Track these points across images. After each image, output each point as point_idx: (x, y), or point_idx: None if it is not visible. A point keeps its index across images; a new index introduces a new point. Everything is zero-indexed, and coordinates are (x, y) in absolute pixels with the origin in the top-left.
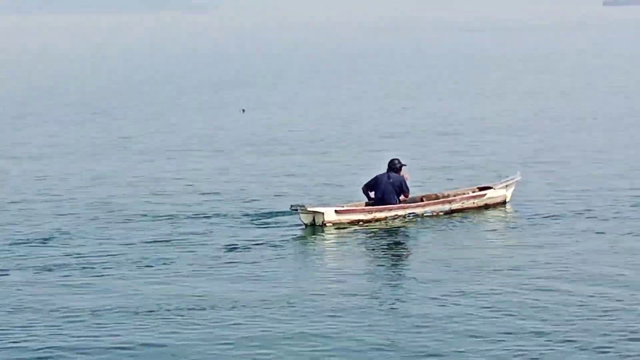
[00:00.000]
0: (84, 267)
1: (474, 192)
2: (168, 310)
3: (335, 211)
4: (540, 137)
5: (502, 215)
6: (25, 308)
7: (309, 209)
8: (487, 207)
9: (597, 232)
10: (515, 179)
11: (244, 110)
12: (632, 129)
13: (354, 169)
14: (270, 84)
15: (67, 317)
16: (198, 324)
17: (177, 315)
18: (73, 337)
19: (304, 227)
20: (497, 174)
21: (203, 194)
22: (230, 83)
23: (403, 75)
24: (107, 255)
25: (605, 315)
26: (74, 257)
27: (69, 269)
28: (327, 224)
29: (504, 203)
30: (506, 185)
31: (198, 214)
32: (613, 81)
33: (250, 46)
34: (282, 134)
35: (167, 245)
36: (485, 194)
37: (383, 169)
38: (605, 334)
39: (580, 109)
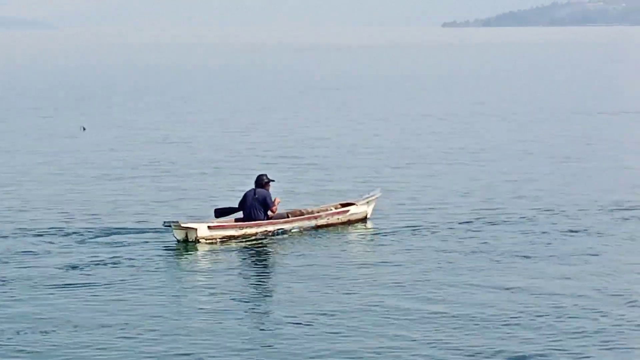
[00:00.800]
0: None
1: (336, 208)
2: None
3: (208, 227)
4: (397, 155)
5: (364, 230)
6: None
7: (182, 225)
8: (350, 222)
9: (455, 243)
10: (376, 196)
11: (84, 128)
12: (477, 145)
13: (217, 188)
14: (110, 103)
15: None
16: (59, 345)
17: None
18: None
19: (176, 243)
20: (358, 190)
21: (64, 213)
22: (70, 102)
23: (251, 94)
24: None
25: (460, 329)
26: None
27: None
28: (200, 240)
29: (365, 219)
30: (367, 202)
31: (61, 232)
32: (454, 101)
33: (87, 65)
34: (133, 152)
35: (30, 263)
36: (348, 210)
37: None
38: (459, 349)
39: (424, 128)
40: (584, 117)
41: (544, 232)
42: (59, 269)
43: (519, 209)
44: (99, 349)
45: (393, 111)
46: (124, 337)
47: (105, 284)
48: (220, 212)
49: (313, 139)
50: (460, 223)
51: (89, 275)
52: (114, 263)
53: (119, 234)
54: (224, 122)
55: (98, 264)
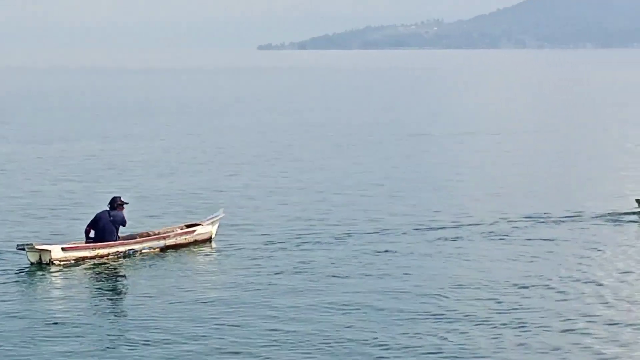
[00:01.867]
0: None
1: (182, 229)
2: None
3: (62, 249)
4: (233, 178)
5: (209, 250)
6: None
7: (36, 247)
8: (196, 242)
9: (286, 261)
10: (220, 217)
11: None
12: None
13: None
14: None
15: None
16: None
17: None
18: None
19: (30, 265)
20: (202, 212)
21: None
22: None
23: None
24: None
25: (298, 344)
26: None
27: None
28: (54, 262)
29: (210, 239)
30: (212, 222)
31: None
32: (276, 123)
33: None
34: None
35: None
36: (195, 231)
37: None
38: None
39: (246, 152)
40: (398, 138)
41: (362, 252)
42: None
43: (345, 229)
44: None
45: (213, 134)
46: None
47: None
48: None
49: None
50: (290, 241)
51: None
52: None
53: None
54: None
55: None
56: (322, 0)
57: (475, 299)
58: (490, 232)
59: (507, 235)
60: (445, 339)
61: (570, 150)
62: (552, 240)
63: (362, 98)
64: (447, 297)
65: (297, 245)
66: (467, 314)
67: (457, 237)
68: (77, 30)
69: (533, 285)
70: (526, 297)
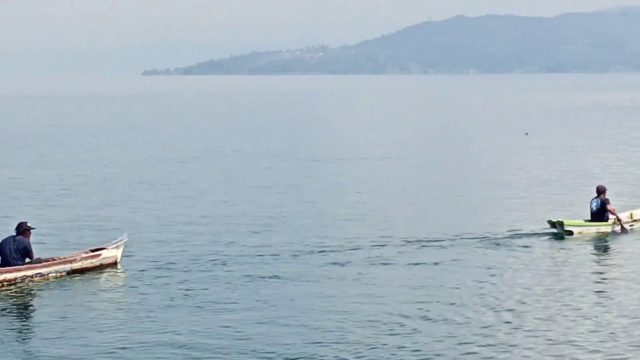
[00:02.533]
0: None
1: (87, 253)
2: None
3: None
4: (133, 202)
5: (115, 273)
6: None
7: None
8: (101, 266)
9: (192, 281)
10: (124, 241)
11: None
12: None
13: None
14: None
15: None
16: None
17: None
18: None
19: None
20: (106, 236)
21: None
22: None
23: None
24: None
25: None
26: None
27: None
28: None
29: (115, 263)
30: (117, 246)
31: None
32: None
33: None
34: None
35: None
36: (100, 254)
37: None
38: None
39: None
40: (285, 163)
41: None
42: None
43: (237, 251)
44: None
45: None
46: None
47: None
48: None
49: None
50: (191, 263)
51: None
52: None
53: None
54: None
55: None
56: (207, 26)
57: (365, 322)
58: (376, 256)
59: (391, 260)
60: None
61: (448, 176)
62: (437, 263)
63: (246, 123)
64: (336, 320)
65: (195, 267)
66: (353, 337)
67: (340, 262)
68: None
69: (424, 309)
70: (420, 320)
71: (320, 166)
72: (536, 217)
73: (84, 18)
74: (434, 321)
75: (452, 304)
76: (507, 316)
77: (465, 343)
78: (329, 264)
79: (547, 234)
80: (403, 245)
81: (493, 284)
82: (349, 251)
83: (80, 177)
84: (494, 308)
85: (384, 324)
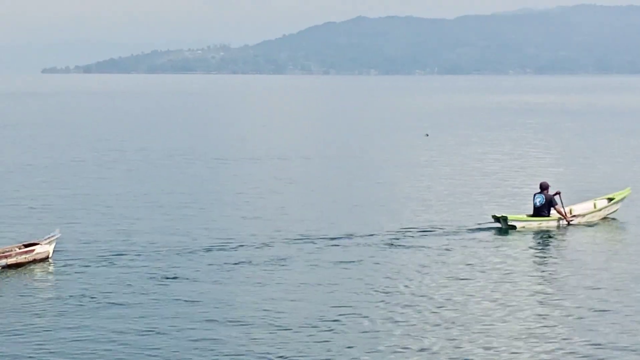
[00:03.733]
0: None
1: (20, 248)
2: None
3: None
4: (59, 197)
5: (48, 268)
6: None
7: None
8: (34, 261)
9: (123, 273)
10: (56, 236)
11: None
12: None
13: None
14: None
15: None
16: None
17: None
18: None
19: None
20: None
21: None
22: None
23: None
24: None
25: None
26: None
27: None
28: None
29: (47, 258)
30: (49, 242)
31: None
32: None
33: None
34: None
35: None
36: (34, 250)
37: None
38: None
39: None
40: (186, 161)
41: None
42: None
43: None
44: None
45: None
46: None
47: None
48: None
49: None
50: (116, 256)
51: None
52: None
53: None
54: None
55: None
56: (108, 24)
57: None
58: (277, 255)
59: (294, 258)
60: None
61: (356, 175)
62: (355, 261)
63: (147, 122)
64: (237, 322)
65: (121, 262)
66: (250, 340)
67: (243, 261)
68: None
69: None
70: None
71: (220, 165)
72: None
73: None
74: (346, 324)
75: (381, 301)
76: (440, 313)
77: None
78: (224, 263)
79: (490, 229)
80: (309, 243)
81: (433, 279)
82: (252, 249)
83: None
84: (433, 304)
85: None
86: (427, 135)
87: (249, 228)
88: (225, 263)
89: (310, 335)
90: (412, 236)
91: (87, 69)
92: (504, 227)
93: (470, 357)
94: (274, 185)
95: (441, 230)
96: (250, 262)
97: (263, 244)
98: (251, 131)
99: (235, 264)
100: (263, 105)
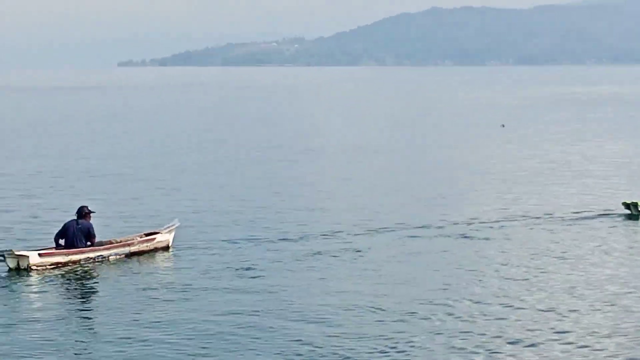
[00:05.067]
0: None
1: (141, 237)
2: None
3: (39, 254)
4: (176, 190)
5: (168, 256)
6: None
7: (15, 253)
8: (155, 249)
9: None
10: (175, 225)
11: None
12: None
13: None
14: None
15: None
16: None
17: None
18: None
19: (8, 270)
20: (157, 220)
21: None
22: None
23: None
24: None
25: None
26: None
27: None
28: (31, 267)
29: (167, 247)
30: (169, 231)
31: None
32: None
33: None
34: None
35: None
36: (155, 239)
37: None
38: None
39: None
40: (270, 153)
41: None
42: None
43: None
44: None
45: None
46: None
47: None
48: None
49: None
50: (236, 244)
51: None
52: None
53: None
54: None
55: None
56: (183, 18)
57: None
58: (369, 245)
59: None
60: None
61: (426, 166)
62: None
63: (228, 115)
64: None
65: (240, 248)
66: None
67: (324, 251)
68: None
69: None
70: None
71: (298, 157)
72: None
73: (59, 11)
74: (453, 314)
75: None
76: (574, 301)
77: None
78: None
79: (619, 215)
80: (387, 233)
81: (562, 265)
82: (331, 240)
83: (117, 165)
84: (565, 291)
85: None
86: (503, 126)
87: (328, 218)
88: (308, 254)
89: (391, 330)
90: (535, 222)
91: (162, 62)
92: (635, 213)
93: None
94: (352, 176)
95: (568, 216)
96: (335, 252)
97: (340, 234)
98: (326, 123)
99: (319, 253)
100: (337, 97)
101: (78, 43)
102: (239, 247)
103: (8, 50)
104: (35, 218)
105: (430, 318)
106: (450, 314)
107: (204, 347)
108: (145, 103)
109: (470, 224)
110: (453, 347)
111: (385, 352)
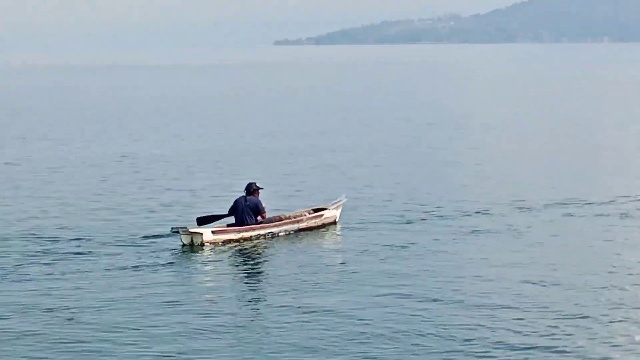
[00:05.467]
0: None
1: (310, 213)
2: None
3: (212, 232)
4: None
5: (335, 232)
6: None
7: (190, 230)
8: (323, 225)
9: (408, 235)
10: (342, 201)
11: None
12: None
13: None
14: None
15: None
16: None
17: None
18: None
19: (182, 247)
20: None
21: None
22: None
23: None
24: None
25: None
26: None
27: None
28: (204, 244)
29: (335, 222)
30: (336, 207)
31: (79, 238)
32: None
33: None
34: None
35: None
36: (322, 215)
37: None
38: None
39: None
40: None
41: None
42: (79, 272)
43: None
44: (110, 343)
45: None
46: (133, 335)
47: (121, 287)
48: (202, 220)
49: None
50: (424, 219)
51: (115, 276)
52: (126, 267)
53: (130, 240)
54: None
55: (113, 268)
56: None
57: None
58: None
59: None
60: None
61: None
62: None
63: (378, 93)
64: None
65: (412, 224)
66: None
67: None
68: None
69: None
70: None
71: (454, 134)
72: None
73: None
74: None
75: None
76: None
77: None
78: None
79: None
80: (545, 211)
81: None
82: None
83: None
84: None
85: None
86: None
87: (484, 196)
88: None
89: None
90: None
91: (318, 40)
92: None
93: None
94: (507, 153)
95: None
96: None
97: (494, 211)
98: (480, 101)
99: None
100: (495, 74)
101: (236, 22)
102: (400, 225)
103: (176, 30)
104: (204, 195)
105: (608, 304)
106: (621, 301)
107: (362, 333)
108: (304, 81)
109: (636, 200)
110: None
111: (554, 347)
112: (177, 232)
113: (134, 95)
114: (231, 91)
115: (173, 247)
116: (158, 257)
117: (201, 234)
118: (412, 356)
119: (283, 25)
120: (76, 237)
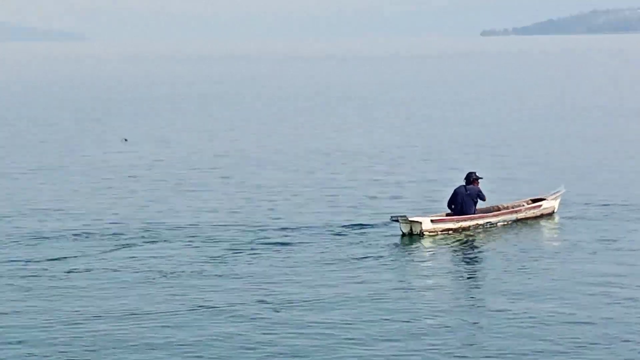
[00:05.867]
0: None
1: (528, 203)
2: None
3: (431, 221)
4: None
5: (554, 224)
6: None
7: (409, 219)
8: (541, 216)
9: None
10: (562, 192)
11: (126, 140)
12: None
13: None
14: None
15: None
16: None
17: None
18: None
19: (402, 235)
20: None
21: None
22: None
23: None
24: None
25: None
26: None
27: None
28: (423, 233)
29: (552, 213)
30: (555, 197)
31: (301, 226)
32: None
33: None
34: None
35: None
36: (541, 205)
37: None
38: None
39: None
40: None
41: None
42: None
43: None
44: (342, 323)
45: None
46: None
47: (344, 270)
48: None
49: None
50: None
51: (338, 263)
52: (346, 254)
53: (349, 229)
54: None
55: (337, 254)
56: None
57: None
58: None
59: None
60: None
61: None
62: None
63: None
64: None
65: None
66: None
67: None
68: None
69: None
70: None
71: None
72: None
73: None
74: None
75: None
76: None
77: None
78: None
79: None
80: None
81: None
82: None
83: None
84: None
85: None
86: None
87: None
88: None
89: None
90: None
91: (524, 31)
92: None
93: None
94: None
95: None
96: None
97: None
98: None
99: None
100: None
101: (442, 11)
102: (620, 222)
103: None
104: (424, 185)
105: None
106: None
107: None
108: (517, 73)
109: None
110: None
111: None
112: (397, 220)
113: (343, 84)
114: (445, 82)
115: (393, 235)
116: (372, 247)
117: (420, 222)
118: None
119: (490, 15)
120: (295, 227)
